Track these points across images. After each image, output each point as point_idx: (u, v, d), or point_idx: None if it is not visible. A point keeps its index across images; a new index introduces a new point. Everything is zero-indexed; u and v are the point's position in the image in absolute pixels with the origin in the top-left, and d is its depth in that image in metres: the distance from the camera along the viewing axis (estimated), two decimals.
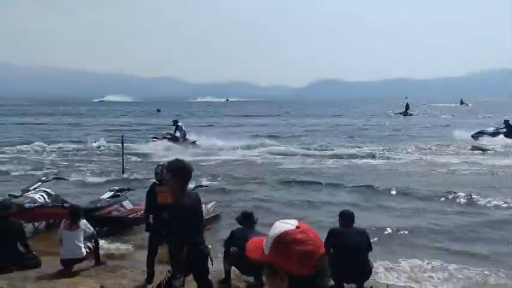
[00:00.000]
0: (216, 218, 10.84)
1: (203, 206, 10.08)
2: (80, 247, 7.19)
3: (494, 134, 26.17)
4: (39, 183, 11.23)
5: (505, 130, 26.07)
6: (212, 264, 4.88)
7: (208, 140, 25.27)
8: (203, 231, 4.96)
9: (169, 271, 4.72)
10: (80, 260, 7.26)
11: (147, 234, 6.97)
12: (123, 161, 17.89)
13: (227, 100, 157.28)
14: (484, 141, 25.31)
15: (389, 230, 9.93)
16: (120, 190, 11.06)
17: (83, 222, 7.48)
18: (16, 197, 9.82)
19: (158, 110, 74.21)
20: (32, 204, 9.94)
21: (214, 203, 11.07)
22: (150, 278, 6.52)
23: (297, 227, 1.58)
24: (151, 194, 6.46)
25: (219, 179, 16.10)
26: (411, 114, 55.80)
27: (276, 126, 42.09)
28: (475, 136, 26.30)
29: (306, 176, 17.08)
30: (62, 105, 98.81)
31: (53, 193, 10.78)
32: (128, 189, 11.35)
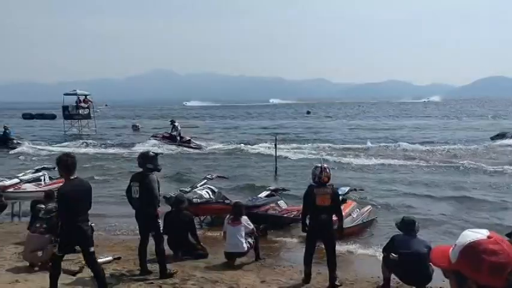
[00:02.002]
0: (370, 223, 10.54)
1: (357, 210, 10.02)
2: (242, 242, 7.61)
3: None
4: (205, 180, 12.23)
5: None
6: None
7: None
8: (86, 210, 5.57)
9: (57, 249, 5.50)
10: (242, 254, 7.69)
11: (303, 234, 7.08)
12: (276, 162, 18.59)
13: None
14: None
15: None
16: (276, 190, 11.48)
17: (244, 218, 7.91)
18: (186, 192, 10.80)
19: (308, 112, 75.35)
20: (198, 200, 10.86)
21: (370, 207, 10.80)
22: (307, 277, 6.60)
23: (489, 237, 1.52)
24: (309, 195, 6.52)
25: None
26: None
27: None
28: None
29: None
30: (221, 108, 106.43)
31: (216, 190, 11.64)
32: (283, 189, 11.71)
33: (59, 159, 5.66)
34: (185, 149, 25.10)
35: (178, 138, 25.78)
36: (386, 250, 6.44)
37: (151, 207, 6.36)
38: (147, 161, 6.64)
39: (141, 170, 6.64)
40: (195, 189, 11.47)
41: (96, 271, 5.61)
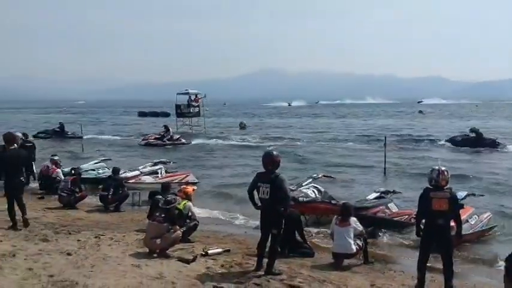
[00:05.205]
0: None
1: (476, 216, 9.30)
2: (351, 243, 7.44)
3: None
4: (311, 179, 12.18)
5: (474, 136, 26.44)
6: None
7: None
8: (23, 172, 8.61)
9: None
10: (350, 255, 7.52)
11: (418, 239, 6.73)
12: (385, 163, 17.99)
13: None
14: None
15: None
16: (386, 192, 11.06)
17: (353, 219, 7.73)
18: (292, 190, 10.81)
19: (420, 111, 71.84)
20: (304, 198, 10.83)
21: (489, 214, 9.97)
22: (420, 284, 6.23)
23: None
24: (425, 198, 6.15)
25: None
26: None
27: None
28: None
29: None
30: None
31: (322, 189, 11.52)
32: (394, 192, 11.24)
33: (3, 135, 8.27)
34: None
35: (168, 137, 29.88)
36: (510, 261, 5.88)
37: (282, 207, 6.27)
38: (270, 160, 6.42)
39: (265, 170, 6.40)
40: (301, 188, 11.47)
41: (22, 210, 8.39)
